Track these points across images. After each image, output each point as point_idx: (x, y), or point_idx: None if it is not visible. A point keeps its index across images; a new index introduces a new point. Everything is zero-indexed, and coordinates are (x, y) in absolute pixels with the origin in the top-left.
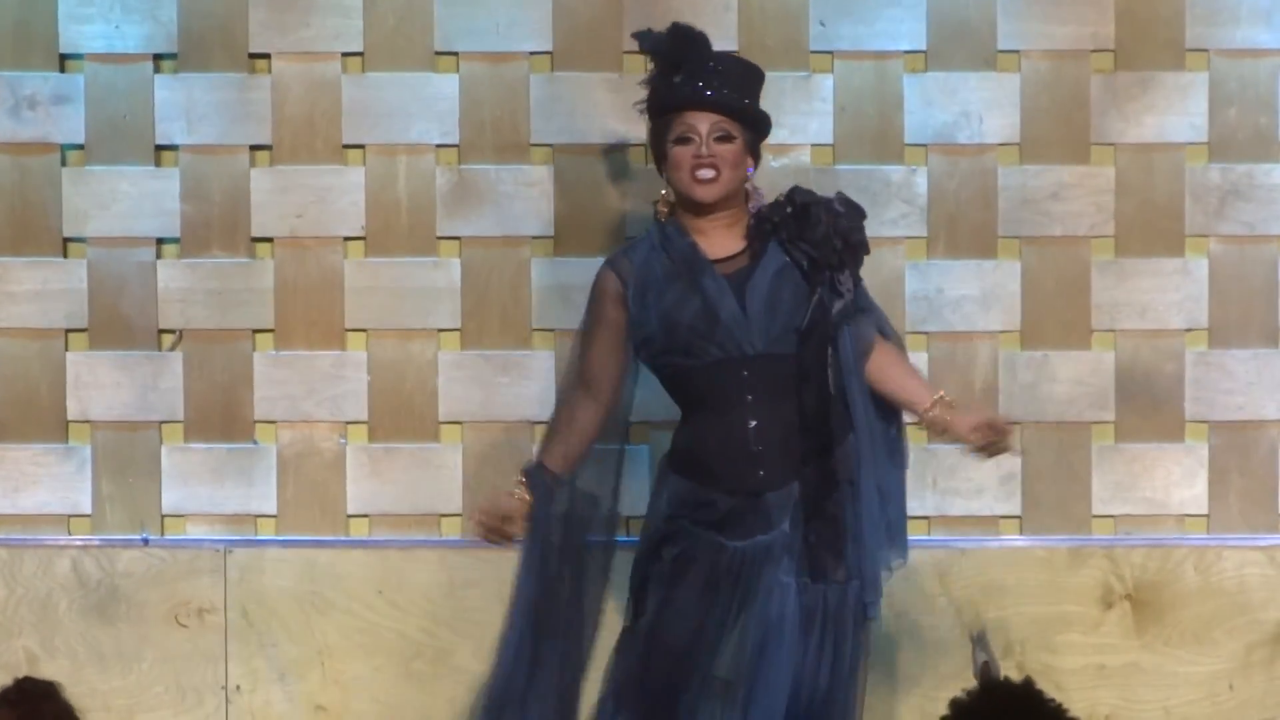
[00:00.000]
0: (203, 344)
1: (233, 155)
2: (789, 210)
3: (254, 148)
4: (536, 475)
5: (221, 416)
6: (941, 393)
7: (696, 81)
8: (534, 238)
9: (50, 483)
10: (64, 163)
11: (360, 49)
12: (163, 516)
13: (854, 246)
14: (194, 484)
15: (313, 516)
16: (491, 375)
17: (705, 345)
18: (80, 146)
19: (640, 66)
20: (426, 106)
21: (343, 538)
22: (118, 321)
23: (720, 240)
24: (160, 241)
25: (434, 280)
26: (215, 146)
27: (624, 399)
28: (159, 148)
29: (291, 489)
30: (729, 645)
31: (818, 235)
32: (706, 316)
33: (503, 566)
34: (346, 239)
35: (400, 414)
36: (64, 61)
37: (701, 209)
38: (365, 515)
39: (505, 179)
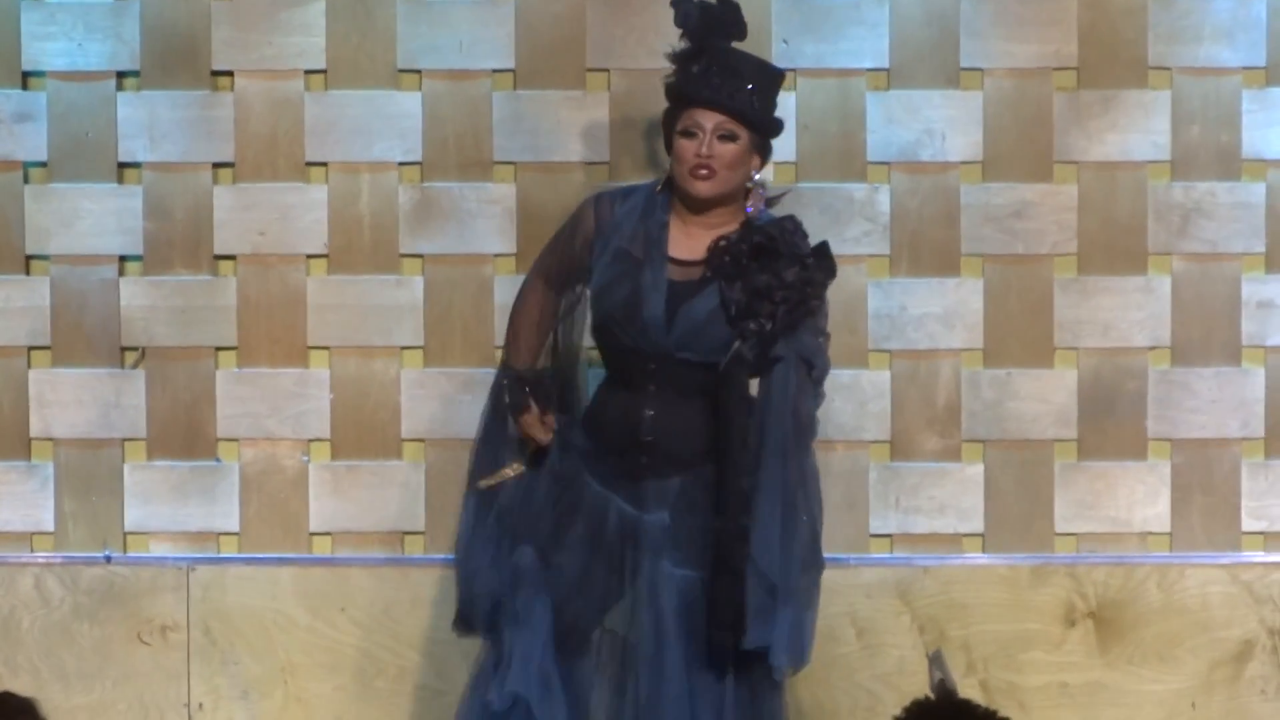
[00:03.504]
0: (165, 361)
1: (195, 173)
2: (748, 247)
3: (217, 165)
4: (535, 383)
5: (184, 434)
6: None
7: (709, 78)
8: (497, 255)
9: (12, 500)
10: (26, 180)
11: (323, 66)
12: (125, 534)
13: (793, 307)
14: (156, 502)
15: (275, 534)
16: (454, 393)
17: (620, 332)
18: (43, 164)
19: (603, 84)
20: (389, 124)
21: (305, 555)
22: (80, 339)
23: (695, 238)
24: (123, 259)
25: (397, 298)
26: (178, 164)
27: (574, 320)
28: (122, 165)
29: (254, 506)
30: (617, 607)
31: (758, 284)
32: (629, 307)
33: None
34: (309, 256)
35: (363, 431)
36: (26, 79)
37: (695, 204)
38: (328, 533)
39: (468, 197)
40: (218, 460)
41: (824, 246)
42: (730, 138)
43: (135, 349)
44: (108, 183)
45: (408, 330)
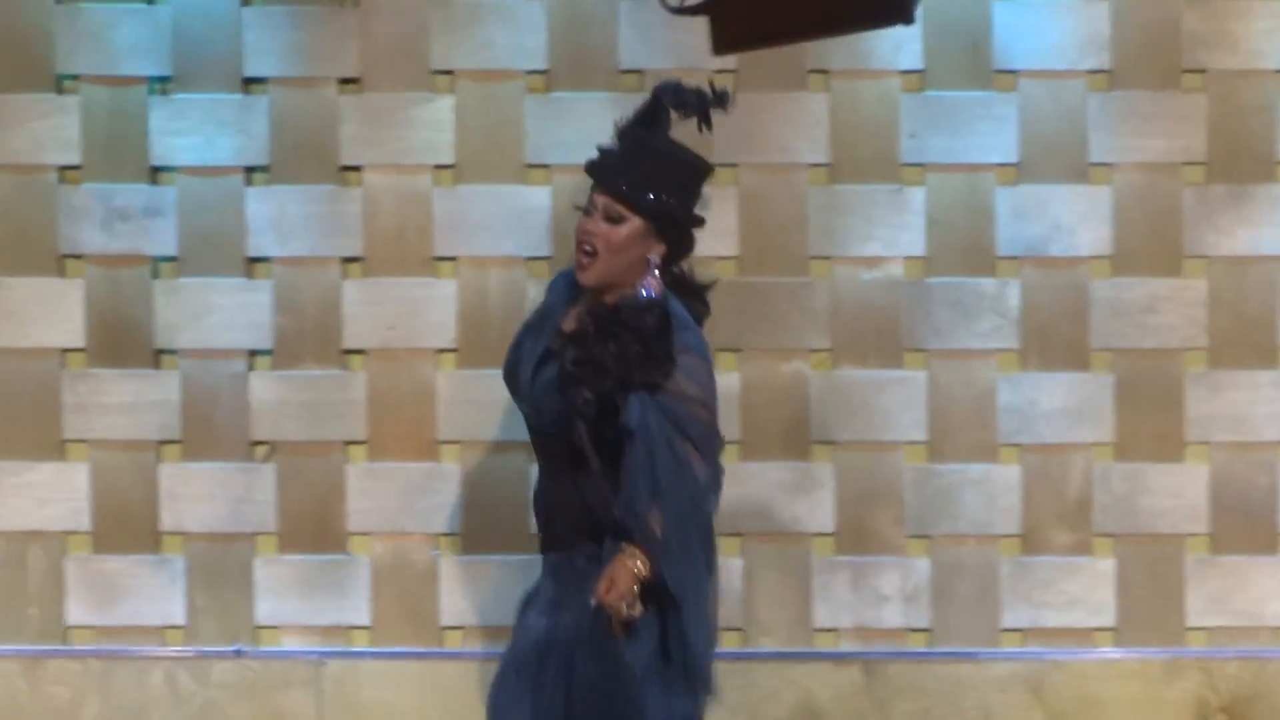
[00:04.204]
0: (295, 456)
1: (324, 267)
2: (594, 318)
3: (345, 259)
4: None
5: (314, 528)
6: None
7: (609, 159)
8: None
9: (144, 594)
10: (156, 275)
11: (451, 161)
12: (256, 628)
13: (621, 377)
14: (287, 596)
15: (407, 628)
16: None
17: (511, 399)
18: (172, 259)
19: (732, 179)
20: (518, 219)
21: (437, 650)
22: (210, 433)
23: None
24: (252, 353)
25: None
26: (307, 258)
27: None
28: (251, 260)
29: (385, 601)
30: None
31: (591, 353)
32: (509, 375)
33: None
34: (439, 351)
35: (493, 525)
36: (156, 174)
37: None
38: (459, 627)
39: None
40: (348, 554)
41: (665, 323)
42: (617, 219)
43: (265, 443)
44: (237, 277)
45: None
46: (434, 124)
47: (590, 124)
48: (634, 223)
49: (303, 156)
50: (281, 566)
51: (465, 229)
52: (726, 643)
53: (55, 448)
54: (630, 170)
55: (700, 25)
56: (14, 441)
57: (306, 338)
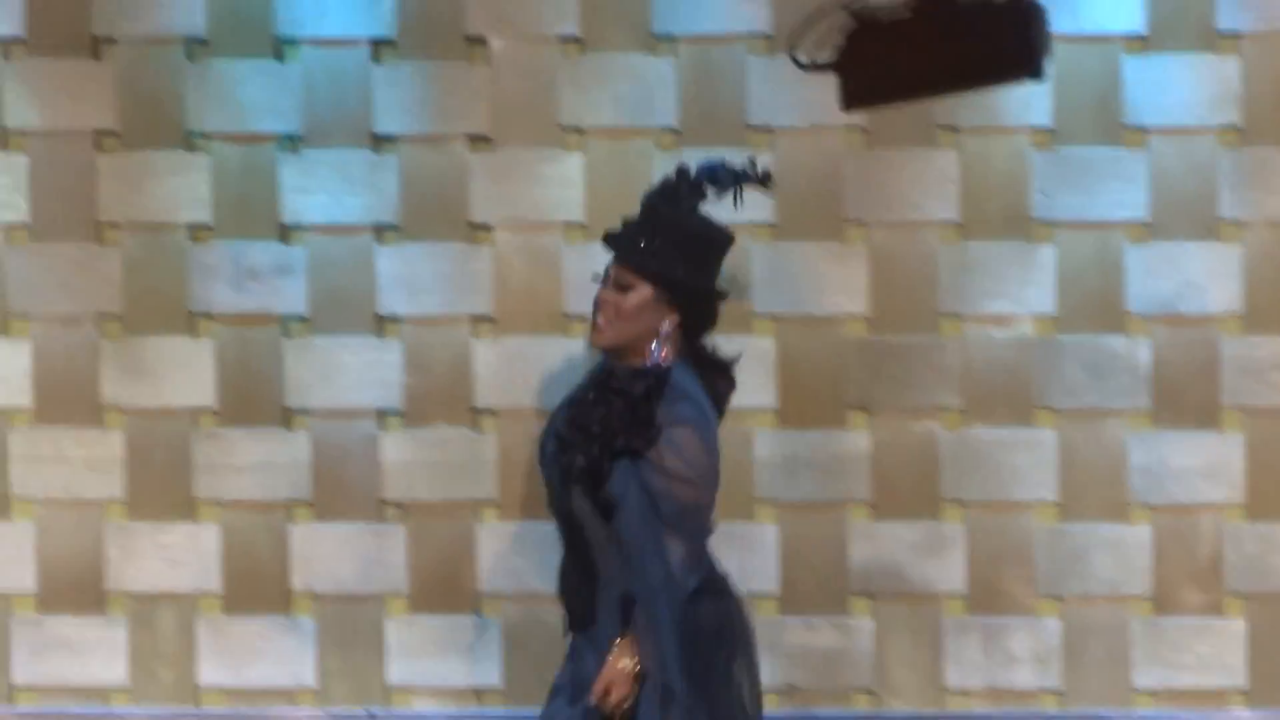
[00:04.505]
0: (426, 516)
1: (454, 326)
2: (592, 384)
3: (476, 318)
4: None
5: (445, 589)
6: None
7: (624, 230)
8: (757, 410)
9: (274, 655)
10: (286, 334)
11: (582, 219)
12: (388, 690)
13: (608, 441)
14: (419, 657)
15: (538, 690)
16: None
17: (541, 472)
18: (302, 317)
19: (863, 237)
20: None
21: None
22: (341, 493)
23: None
24: (383, 413)
25: None
26: (437, 317)
27: None
28: (381, 318)
29: (516, 662)
30: None
31: (583, 417)
32: (541, 447)
33: None
34: None
35: None
36: (286, 232)
37: (606, 353)
38: None
39: (729, 349)
40: (480, 615)
41: (654, 389)
42: (627, 288)
43: (395, 504)
44: (367, 336)
45: None
46: (564, 181)
47: None
48: (643, 291)
49: (433, 214)
50: (413, 627)
51: (596, 287)
52: (858, 703)
53: (186, 508)
54: (639, 240)
55: (829, 82)
56: (146, 502)
57: (437, 397)
